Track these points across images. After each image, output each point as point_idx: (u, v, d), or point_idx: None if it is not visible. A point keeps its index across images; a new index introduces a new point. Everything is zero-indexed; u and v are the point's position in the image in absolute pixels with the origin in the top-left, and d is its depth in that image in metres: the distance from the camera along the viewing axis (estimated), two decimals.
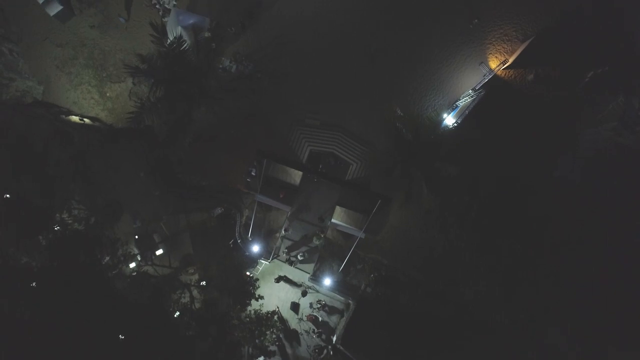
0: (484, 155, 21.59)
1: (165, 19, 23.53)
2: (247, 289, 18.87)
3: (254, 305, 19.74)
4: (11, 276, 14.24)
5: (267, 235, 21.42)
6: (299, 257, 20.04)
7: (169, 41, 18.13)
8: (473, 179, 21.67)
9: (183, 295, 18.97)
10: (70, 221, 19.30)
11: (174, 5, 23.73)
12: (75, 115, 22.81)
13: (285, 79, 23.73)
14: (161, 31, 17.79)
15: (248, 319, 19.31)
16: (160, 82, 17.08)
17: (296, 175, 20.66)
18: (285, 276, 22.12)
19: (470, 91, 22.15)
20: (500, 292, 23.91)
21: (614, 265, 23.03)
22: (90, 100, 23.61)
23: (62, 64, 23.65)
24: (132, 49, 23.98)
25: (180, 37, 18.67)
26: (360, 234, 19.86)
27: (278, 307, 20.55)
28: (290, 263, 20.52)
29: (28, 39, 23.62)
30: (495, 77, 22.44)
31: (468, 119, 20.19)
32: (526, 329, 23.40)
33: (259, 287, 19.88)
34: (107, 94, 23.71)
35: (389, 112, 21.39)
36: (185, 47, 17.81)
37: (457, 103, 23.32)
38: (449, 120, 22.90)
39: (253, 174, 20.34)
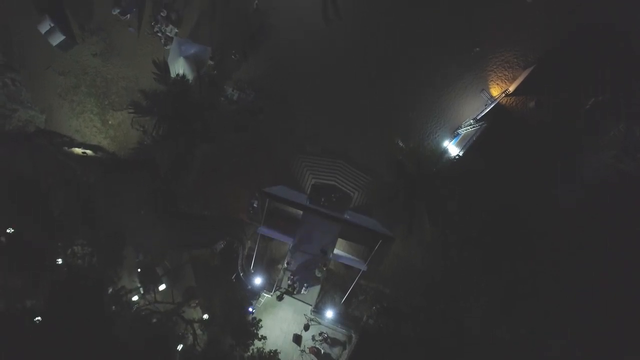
0: (486, 186, 21.60)
1: (167, 47, 23.62)
2: (250, 330, 18.89)
3: (257, 344, 19.76)
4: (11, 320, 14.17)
5: (269, 266, 21.46)
6: (302, 290, 20.07)
7: (171, 78, 18.13)
8: (475, 208, 21.70)
9: (186, 333, 19.01)
10: (71, 260, 19.29)
11: (176, 34, 23.82)
12: (78, 144, 22.88)
13: (286, 106, 23.78)
14: (163, 68, 17.83)
15: None
16: (163, 120, 17.13)
17: None
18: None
19: (471, 121, 22.19)
20: (502, 307, 24.03)
21: (614, 269, 23.08)
22: (93, 128, 23.67)
23: (64, 92, 23.72)
24: (134, 77, 24.08)
25: (183, 76, 18.65)
26: (363, 267, 19.91)
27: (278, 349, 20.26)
28: (292, 293, 20.54)
29: (30, 67, 23.72)
30: (497, 106, 22.44)
31: (470, 151, 20.18)
32: (527, 343, 23.46)
33: (261, 327, 19.90)
34: (109, 122, 23.77)
35: (391, 144, 21.38)
36: (188, 81, 17.79)
37: (458, 131, 23.39)
38: (451, 147, 22.99)
39: (255, 206, 20.37)
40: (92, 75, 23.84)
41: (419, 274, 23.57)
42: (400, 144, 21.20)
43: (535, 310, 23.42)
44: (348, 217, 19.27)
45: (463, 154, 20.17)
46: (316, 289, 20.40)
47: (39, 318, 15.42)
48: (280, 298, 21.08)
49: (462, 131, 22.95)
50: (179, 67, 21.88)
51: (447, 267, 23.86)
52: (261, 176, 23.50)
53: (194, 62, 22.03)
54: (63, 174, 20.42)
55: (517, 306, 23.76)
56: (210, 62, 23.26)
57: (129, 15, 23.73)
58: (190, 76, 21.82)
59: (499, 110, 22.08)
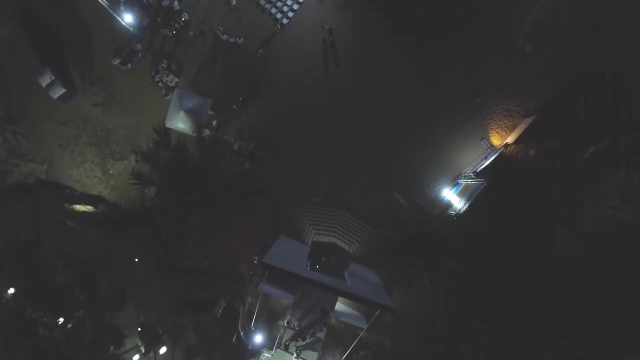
0: (487, 242, 21.67)
1: (168, 97, 23.68)
2: None
3: None
4: None
5: (269, 321, 21.51)
6: (301, 349, 20.11)
7: (172, 144, 18.21)
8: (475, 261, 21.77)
9: None
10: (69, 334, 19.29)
11: (176, 83, 23.89)
12: (78, 196, 22.93)
13: (287, 155, 23.82)
14: (164, 134, 17.89)
15: None
16: (163, 190, 17.20)
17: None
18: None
19: (471, 173, 22.22)
20: (502, 348, 24.11)
21: (613, 317, 23.15)
22: (93, 178, 23.73)
23: (65, 143, 23.79)
24: (135, 125, 24.14)
25: (184, 147, 18.65)
26: (364, 325, 19.95)
27: None
28: (293, 352, 20.58)
29: (31, 117, 23.81)
30: (496, 159, 22.45)
31: (470, 209, 20.24)
32: None
33: None
34: (110, 172, 23.84)
35: (392, 199, 21.44)
36: (187, 150, 17.88)
37: (459, 180, 23.43)
38: (451, 197, 23.03)
39: (255, 262, 20.45)
40: (93, 125, 23.91)
41: (420, 322, 23.66)
42: (401, 200, 21.21)
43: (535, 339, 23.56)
44: (348, 283, 19.31)
45: (463, 213, 20.19)
46: (317, 345, 20.45)
47: None
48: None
49: (462, 181, 23.00)
50: (179, 122, 22.04)
51: (447, 313, 23.98)
52: (262, 225, 23.61)
53: (195, 115, 22.12)
54: (63, 236, 20.48)
55: (516, 339, 23.88)
56: (211, 112, 23.32)
57: (129, 65, 23.82)
58: (190, 131, 22.00)
59: (498, 165, 22.06)
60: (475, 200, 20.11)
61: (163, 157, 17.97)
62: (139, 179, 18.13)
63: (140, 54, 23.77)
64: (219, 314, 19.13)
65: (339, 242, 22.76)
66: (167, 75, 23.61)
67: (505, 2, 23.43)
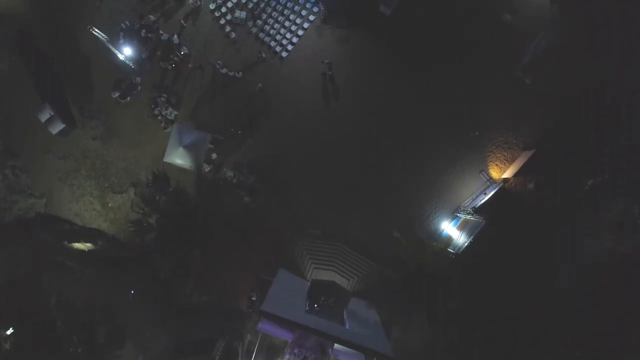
0: (487, 281, 21.70)
1: (167, 130, 23.68)
2: None
3: None
4: None
5: (268, 357, 21.49)
6: None
7: (171, 187, 18.22)
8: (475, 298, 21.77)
9: None
10: None
11: (175, 116, 23.89)
12: (77, 228, 22.93)
13: (286, 188, 23.81)
14: (163, 178, 17.90)
15: None
16: (162, 234, 17.20)
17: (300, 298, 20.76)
18: None
19: (470, 209, 22.22)
20: None
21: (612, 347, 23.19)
22: (93, 211, 23.71)
23: (64, 176, 23.78)
24: (134, 158, 24.13)
25: (183, 189, 18.69)
26: None
27: None
28: None
29: (30, 151, 23.80)
30: (496, 194, 22.44)
31: (469, 248, 20.25)
32: None
33: None
34: (109, 205, 23.82)
35: (390, 237, 21.45)
36: (187, 193, 17.90)
37: (458, 214, 23.42)
38: (451, 230, 23.02)
39: (254, 299, 20.44)
40: (92, 159, 23.89)
41: (419, 356, 23.64)
42: (399, 237, 21.21)
43: None
44: (347, 326, 19.29)
45: (462, 252, 20.21)
46: None
47: None
48: None
49: (461, 215, 22.99)
50: (178, 158, 22.04)
51: (447, 345, 23.96)
52: (261, 259, 23.60)
53: (194, 150, 22.10)
54: (63, 277, 20.48)
55: None
56: (210, 146, 23.31)
57: (128, 98, 23.83)
58: (189, 166, 22.00)
59: (497, 201, 22.06)
60: (475, 238, 20.06)
61: (162, 200, 17.95)
62: (137, 226, 18.13)
63: (139, 87, 23.78)
64: (217, 357, 19.11)
65: (338, 277, 22.75)
66: (166, 109, 23.61)
67: (505, 35, 23.48)
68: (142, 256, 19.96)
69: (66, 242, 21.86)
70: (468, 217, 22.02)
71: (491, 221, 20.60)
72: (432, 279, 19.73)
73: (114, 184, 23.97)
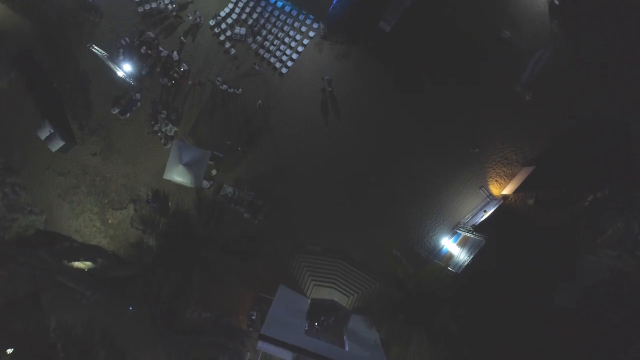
0: (487, 302, 21.72)
1: (167, 147, 23.67)
2: None
3: None
4: None
5: None
6: None
7: (170, 209, 18.20)
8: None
9: None
10: None
11: (175, 132, 23.86)
12: (77, 245, 22.90)
13: (286, 205, 23.80)
14: (163, 201, 17.89)
15: None
16: (162, 259, 17.17)
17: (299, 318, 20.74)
18: None
19: (470, 227, 22.22)
20: None
21: None
22: (92, 228, 23.70)
23: (64, 193, 23.76)
24: (133, 174, 24.11)
25: (183, 212, 18.66)
26: None
27: None
28: None
29: (30, 168, 23.77)
30: (496, 212, 22.42)
31: (469, 268, 20.25)
32: None
33: None
34: (109, 221, 23.80)
35: (390, 259, 21.44)
36: (187, 212, 17.89)
37: (457, 230, 23.41)
38: (451, 246, 23.00)
39: (254, 317, 20.43)
40: (91, 175, 23.88)
41: None
42: (399, 256, 21.19)
43: None
44: (347, 348, 19.26)
45: (461, 272, 20.20)
46: None
47: None
48: None
49: (461, 232, 22.98)
50: (177, 175, 22.01)
51: None
52: (261, 276, 23.58)
53: (194, 168, 22.06)
54: (62, 297, 20.45)
55: None
56: (210, 162, 23.29)
57: (128, 115, 23.83)
58: (188, 184, 21.98)
59: (497, 218, 22.05)
60: (474, 259, 20.06)
61: (162, 222, 17.94)
62: (137, 248, 18.12)
63: (139, 104, 23.79)
64: None
65: (338, 293, 22.77)
66: (166, 125, 23.59)
67: (504, 52, 23.47)
68: (142, 276, 19.91)
69: (66, 261, 21.85)
70: (468, 234, 22.01)
71: (491, 240, 20.58)
72: (431, 298, 19.69)
73: (114, 200, 23.95)
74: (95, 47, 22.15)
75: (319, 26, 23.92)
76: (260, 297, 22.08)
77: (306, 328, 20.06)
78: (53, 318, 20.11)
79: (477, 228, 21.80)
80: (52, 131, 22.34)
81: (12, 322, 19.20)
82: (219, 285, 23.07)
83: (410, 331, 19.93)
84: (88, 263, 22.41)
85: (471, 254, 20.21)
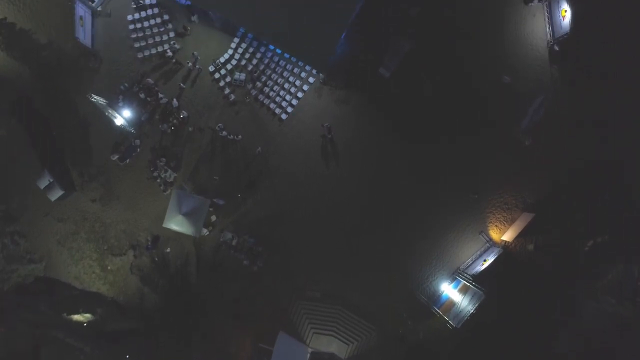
0: (487, 353, 21.72)
1: (166, 193, 23.64)
2: None
3: None
4: None
5: None
6: None
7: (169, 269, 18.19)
8: None
9: None
10: None
11: (175, 178, 23.84)
12: (77, 293, 22.89)
13: (286, 250, 23.75)
14: (162, 260, 17.87)
15: None
16: (161, 324, 17.17)
17: None
18: None
19: (469, 276, 22.21)
20: None
21: None
22: (92, 274, 23.67)
23: (63, 239, 23.74)
24: (133, 220, 24.08)
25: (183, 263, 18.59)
26: None
27: None
28: None
29: (29, 215, 23.75)
30: (496, 259, 22.41)
31: (468, 321, 20.23)
32: None
33: None
34: (109, 267, 23.76)
35: (390, 311, 21.45)
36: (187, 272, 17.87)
37: (457, 276, 23.37)
38: (451, 292, 22.94)
39: None
40: (91, 221, 23.85)
41: None
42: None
43: None
44: None
45: (461, 326, 20.18)
46: None
47: None
48: None
49: (461, 279, 22.93)
50: (176, 224, 22.00)
51: None
52: (261, 324, 23.51)
53: (193, 217, 22.04)
54: (62, 356, 20.43)
55: None
56: (210, 209, 23.28)
57: (128, 161, 23.81)
58: (188, 232, 21.96)
59: (497, 270, 22.03)
60: (474, 313, 20.04)
61: (161, 269, 17.91)
62: (138, 295, 18.07)
63: (138, 150, 23.79)
64: None
65: (337, 342, 22.76)
66: (165, 171, 23.58)
67: (504, 97, 23.50)
68: (143, 329, 19.88)
69: (65, 314, 21.84)
70: (467, 284, 21.98)
71: (491, 292, 20.56)
72: (431, 352, 19.71)
73: (113, 246, 23.92)
74: (95, 97, 22.18)
75: (318, 72, 23.91)
76: (260, 348, 22.03)
77: None
78: None
79: (477, 278, 21.77)
80: (51, 180, 22.35)
81: None
82: (219, 340, 22.83)
83: None
84: (87, 315, 22.38)
85: (471, 307, 20.17)
